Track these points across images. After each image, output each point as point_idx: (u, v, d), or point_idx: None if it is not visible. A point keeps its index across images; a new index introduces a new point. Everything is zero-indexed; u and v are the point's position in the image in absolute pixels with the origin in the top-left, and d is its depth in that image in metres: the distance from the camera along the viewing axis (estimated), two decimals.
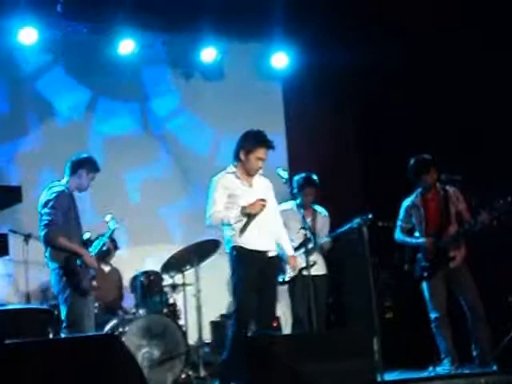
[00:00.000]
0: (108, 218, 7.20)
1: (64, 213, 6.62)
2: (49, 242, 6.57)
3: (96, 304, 7.59)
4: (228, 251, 6.61)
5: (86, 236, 6.87)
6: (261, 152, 6.59)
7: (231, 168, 6.71)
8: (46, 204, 6.64)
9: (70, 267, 6.54)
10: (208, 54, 9.61)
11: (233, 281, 6.55)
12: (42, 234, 6.59)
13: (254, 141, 6.62)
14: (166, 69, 9.83)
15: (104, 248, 7.13)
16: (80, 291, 6.54)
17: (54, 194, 6.65)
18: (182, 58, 9.77)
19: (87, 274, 6.64)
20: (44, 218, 6.60)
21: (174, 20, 9.16)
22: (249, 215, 6.51)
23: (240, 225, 6.52)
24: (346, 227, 7.44)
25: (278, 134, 10.08)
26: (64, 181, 6.86)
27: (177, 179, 9.80)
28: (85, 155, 7.05)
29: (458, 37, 8.36)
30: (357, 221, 7.09)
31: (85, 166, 6.89)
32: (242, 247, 6.51)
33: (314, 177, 7.72)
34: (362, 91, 9.57)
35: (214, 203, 6.58)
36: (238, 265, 6.50)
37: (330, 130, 9.83)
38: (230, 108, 10.00)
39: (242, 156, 6.62)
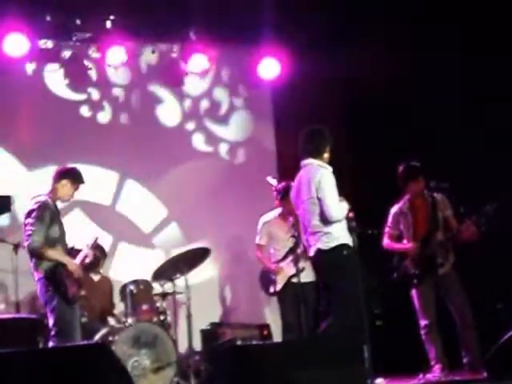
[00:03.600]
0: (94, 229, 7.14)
1: (47, 223, 6.63)
2: (33, 252, 6.58)
3: (85, 313, 7.59)
4: (330, 249, 6.42)
5: (70, 245, 6.88)
6: None
7: (323, 163, 6.63)
8: (29, 214, 6.65)
9: (56, 277, 6.54)
10: (197, 62, 9.59)
11: (344, 279, 6.38)
12: (26, 244, 6.62)
13: (331, 137, 6.74)
14: (156, 77, 9.81)
15: (87, 260, 7.01)
16: (67, 300, 6.54)
17: (37, 204, 6.66)
18: (170, 66, 9.76)
19: (73, 282, 6.64)
20: (27, 228, 6.61)
21: (162, 28, 9.16)
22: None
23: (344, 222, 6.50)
24: None
25: (267, 142, 10.12)
26: (48, 190, 6.86)
27: (168, 187, 9.79)
28: (71, 166, 7.10)
29: (441, 46, 8.42)
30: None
31: (69, 176, 6.90)
32: (350, 246, 6.46)
33: None
34: (351, 100, 9.58)
35: (336, 197, 6.47)
36: (351, 263, 6.40)
37: None
38: (219, 115, 10.03)
39: (327, 151, 6.65)
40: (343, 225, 6.46)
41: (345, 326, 6.29)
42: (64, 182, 6.85)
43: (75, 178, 6.93)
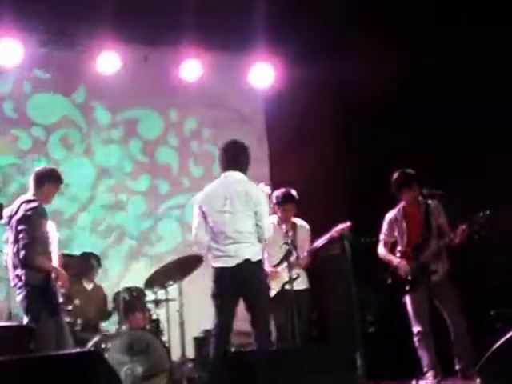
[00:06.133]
0: (50, 226, 6.90)
1: (40, 229, 6.53)
2: (29, 262, 6.43)
3: (78, 321, 7.57)
4: (257, 260, 6.46)
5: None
6: None
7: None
8: (23, 220, 6.49)
9: (47, 287, 6.46)
10: (189, 67, 9.61)
11: (267, 294, 6.55)
12: (22, 253, 6.42)
13: None
14: (147, 83, 9.80)
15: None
16: (52, 311, 6.47)
17: (32, 211, 6.52)
18: (163, 72, 9.76)
19: (59, 292, 6.58)
20: (22, 235, 6.44)
21: (155, 34, 9.18)
22: None
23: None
24: (326, 237, 7.55)
25: (260, 148, 10.12)
26: (30, 194, 6.73)
27: (158, 193, 9.79)
28: (50, 167, 7.00)
29: (440, 52, 8.43)
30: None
31: (52, 178, 6.79)
32: None
33: (294, 192, 7.73)
34: (345, 106, 9.60)
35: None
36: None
37: (313, 144, 9.85)
38: (212, 120, 10.05)
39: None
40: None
41: (270, 334, 6.48)
42: (48, 184, 6.75)
43: (58, 179, 6.84)
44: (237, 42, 9.37)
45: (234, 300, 6.46)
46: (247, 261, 6.38)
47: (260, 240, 6.48)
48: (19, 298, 6.55)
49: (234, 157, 6.62)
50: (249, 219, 6.43)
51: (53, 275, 6.55)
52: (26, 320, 6.51)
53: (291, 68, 9.66)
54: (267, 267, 7.77)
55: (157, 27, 9.00)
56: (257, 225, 6.43)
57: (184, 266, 7.98)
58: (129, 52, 9.35)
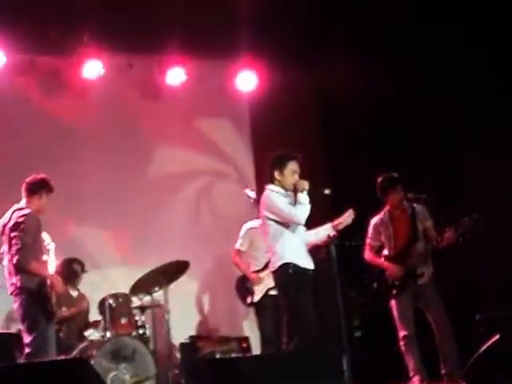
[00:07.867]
0: (45, 237, 6.93)
1: (33, 235, 6.57)
2: (22, 267, 6.49)
3: (63, 328, 7.56)
4: (276, 269, 6.44)
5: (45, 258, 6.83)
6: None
7: (272, 187, 6.63)
8: (15, 227, 6.56)
9: (42, 292, 6.50)
10: (174, 75, 9.61)
11: (294, 297, 6.43)
12: (15, 258, 6.49)
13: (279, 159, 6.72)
14: (133, 91, 9.78)
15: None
16: (48, 316, 6.51)
17: (23, 218, 6.58)
18: (148, 80, 9.74)
19: (53, 299, 6.62)
20: (16, 241, 6.51)
21: (140, 41, 9.16)
22: None
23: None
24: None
25: (244, 154, 10.13)
26: (23, 203, 6.77)
27: (145, 200, 9.77)
28: (41, 176, 6.97)
29: (424, 57, 8.47)
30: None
31: (44, 187, 6.83)
32: (295, 264, 6.43)
33: None
34: (329, 111, 9.61)
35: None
36: (297, 281, 6.43)
37: (298, 149, 9.86)
38: (197, 128, 10.03)
39: (278, 176, 6.60)
40: (288, 243, 6.45)
41: (305, 342, 6.30)
42: (40, 194, 6.79)
43: (49, 188, 6.87)
44: (222, 48, 9.36)
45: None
46: (272, 272, 6.54)
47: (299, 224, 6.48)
48: (15, 306, 6.61)
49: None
50: (267, 229, 6.47)
51: (48, 282, 6.59)
52: (22, 328, 6.55)
53: (276, 74, 9.65)
54: (250, 272, 7.81)
55: (142, 35, 8.97)
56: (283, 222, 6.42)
57: (170, 273, 7.97)
58: (113, 59, 9.31)
